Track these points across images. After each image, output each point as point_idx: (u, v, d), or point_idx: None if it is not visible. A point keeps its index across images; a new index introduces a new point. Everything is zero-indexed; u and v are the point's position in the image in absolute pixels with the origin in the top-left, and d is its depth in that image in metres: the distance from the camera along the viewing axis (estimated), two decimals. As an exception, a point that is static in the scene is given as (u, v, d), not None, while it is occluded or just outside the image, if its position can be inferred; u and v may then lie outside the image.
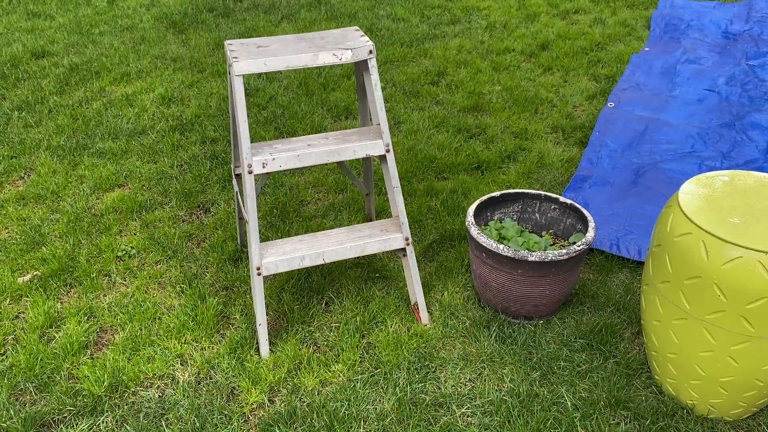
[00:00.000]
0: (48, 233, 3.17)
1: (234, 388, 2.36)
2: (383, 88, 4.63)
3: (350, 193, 3.44)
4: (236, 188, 2.80)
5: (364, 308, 2.68)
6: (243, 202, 2.57)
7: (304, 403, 2.28)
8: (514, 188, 3.42)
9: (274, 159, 2.36)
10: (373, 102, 2.43)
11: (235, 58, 2.27)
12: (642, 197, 3.23)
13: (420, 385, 2.35)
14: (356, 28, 2.55)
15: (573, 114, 4.15)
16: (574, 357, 2.44)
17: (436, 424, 2.21)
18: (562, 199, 2.68)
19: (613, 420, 2.21)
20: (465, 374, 2.39)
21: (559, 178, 3.52)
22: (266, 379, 2.36)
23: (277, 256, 2.44)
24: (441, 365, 2.43)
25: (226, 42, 2.42)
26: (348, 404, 2.27)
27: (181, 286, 2.82)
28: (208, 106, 4.38)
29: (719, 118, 3.87)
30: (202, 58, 5.14)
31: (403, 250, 2.57)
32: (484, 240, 2.42)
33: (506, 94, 4.43)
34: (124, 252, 3.04)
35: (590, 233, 2.47)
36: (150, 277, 2.89)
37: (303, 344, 2.53)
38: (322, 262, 2.49)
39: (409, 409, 2.25)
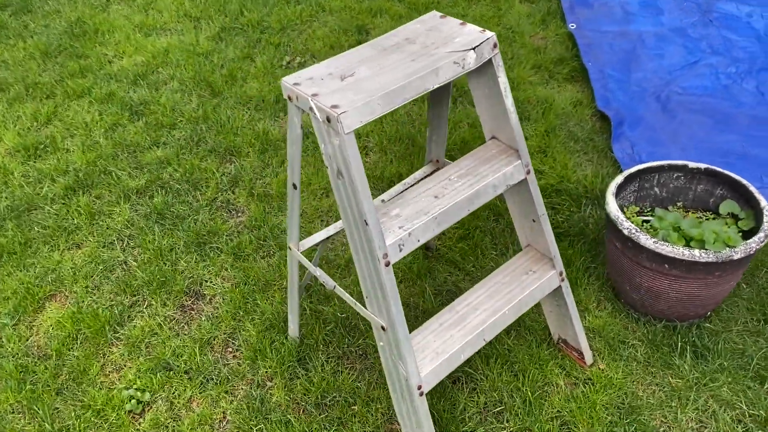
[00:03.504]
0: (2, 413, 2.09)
1: None
2: (301, 63, 3.77)
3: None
4: (291, 265, 1.98)
5: (511, 372, 2.07)
6: (383, 294, 1.80)
7: None
8: (551, 150, 2.90)
9: (409, 234, 1.60)
10: (505, 112, 1.73)
11: (335, 106, 1.44)
12: (694, 129, 2.89)
13: (654, 452, 1.84)
14: (438, 14, 1.78)
15: (539, 47, 3.66)
16: (780, 347, 2.07)
17: (716, 501, 1.73)
18: (691, 165, 2.22)
19: None
20: (688, 415, 1.92)
21: (586, 125, 3.05)
22: None
23: (432, 361, 1.73)
24: (650, 413, 1.93)
25: (289, 84, 1.54)
26: None
27: (258, 428, 1.98)
28: (96, 144, 3.25)
29: (688, 16, 3.61)
30: (37, 78, 3.83)
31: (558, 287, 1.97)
32: (668, 249, 1.90)
33: (451, 38, 3.80)
34: (132, 400, 2.09)
35: (764, 201, 2.04)
36: (196, 426, 2.01)
37: (479, 452, 1.89)
38: (483, 344, 1.82)
39: (673, 493, 1.74)
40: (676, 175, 2.25)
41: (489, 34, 1.66)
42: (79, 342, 2.30)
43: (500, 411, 1.98)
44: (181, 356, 2.22)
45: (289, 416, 2.01)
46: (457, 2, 4.19)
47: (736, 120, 2.90)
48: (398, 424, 1.98)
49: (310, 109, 1.50)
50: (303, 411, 2.03)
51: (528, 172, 1.80)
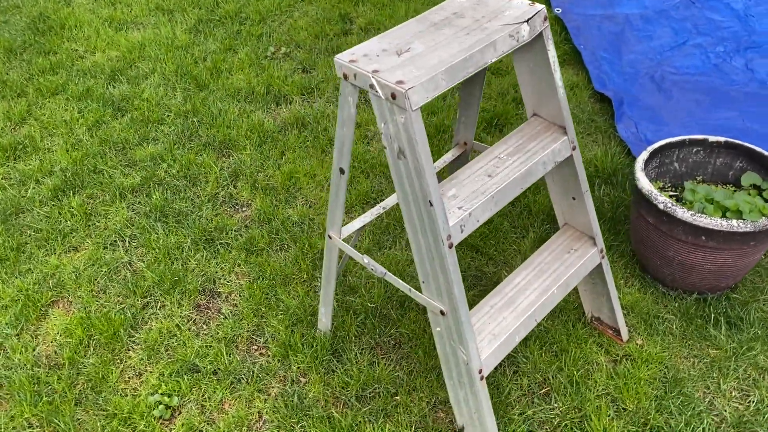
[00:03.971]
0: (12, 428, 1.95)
1: None
2: (287, 53, 3.68)
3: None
4: (330, 254, 1.91)
5: (550, 352, 2.06)
6: (445, 277, 1.75)
7: None
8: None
9: (470, 214, 1.56)
10: (552, 87, 1.71)
11: (400, 82, 1.38)
12: (692, 107, 2.94)
13: (699, 423, 1.85)
14: (479, -12, 1.74)
15: (527, 30, 3.66)
16: (807, 313, 2.12)
17: (771, 467, 1.75)
18: (711, 138, 2.24)
19: None
20: (730, 384, 1.94)
21: (585, 107, 3.07)
22: None
23: (491, 344, 1.69)
24: (694, 385, 1.95)
25: (345, 61, 1.47)
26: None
27: (300, 426, 1.91)
28: (80, 142, 3.09)
29: (669, -2, 3.68)
30: (4, 76, 3.62)
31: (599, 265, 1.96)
32: (706, 221, 1.92)
33: (438, 25, 3.77)
34: (160, 406, 1.98)
35: (787, 171, 2.08)
36: (233, 428, 1.92)
37: (532, 435, 1.86)
38: (534, 325, 1.80)
39: (729, 461, 1.76)
40: (695, 149, 2.28)
41: (539, 6, 1.63)
42: (92, 348, 2.18)
43: (546, 392, 1.96)
44: (206, 357, 2.12)
45: (331, 410, 1.94)
46: (439, -11, 4.16)
47: (732, 97, 2.96)
48: (443, 413, 1.93)
49: (371, 86, 1.44)
50: (344, 404, 1.96)
51: (574, 148, 1.78)
